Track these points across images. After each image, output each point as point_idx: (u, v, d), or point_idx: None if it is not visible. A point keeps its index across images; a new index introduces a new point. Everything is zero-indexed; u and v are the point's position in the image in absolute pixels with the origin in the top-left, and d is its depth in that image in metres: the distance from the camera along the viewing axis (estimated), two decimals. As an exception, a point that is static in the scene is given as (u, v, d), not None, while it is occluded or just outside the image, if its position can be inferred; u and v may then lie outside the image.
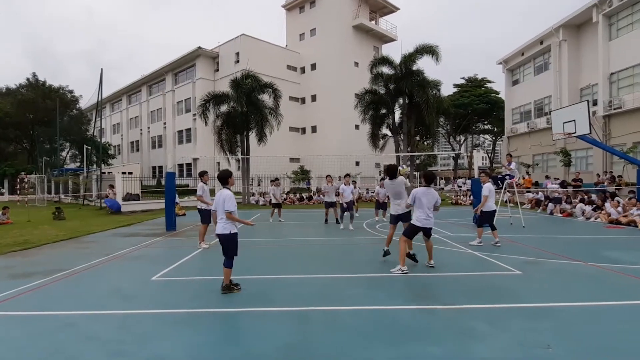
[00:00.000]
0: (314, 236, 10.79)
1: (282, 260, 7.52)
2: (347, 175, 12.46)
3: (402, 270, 6.22)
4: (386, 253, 7.15)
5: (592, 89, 24.63)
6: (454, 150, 52.21)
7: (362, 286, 5.62)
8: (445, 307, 4.67)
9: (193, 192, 26.99)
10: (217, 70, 43.05)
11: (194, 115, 39.54)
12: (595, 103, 23.47)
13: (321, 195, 18.28)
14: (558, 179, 23.07)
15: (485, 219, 8.73)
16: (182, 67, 45.55)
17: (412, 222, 6.51)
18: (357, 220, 14.08)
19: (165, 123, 47.48)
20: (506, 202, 14.25)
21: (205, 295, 5.26)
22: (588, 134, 12.96)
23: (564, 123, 13.37)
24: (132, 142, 55.21)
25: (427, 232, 6.53)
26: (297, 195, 25.01)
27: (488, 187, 8.69)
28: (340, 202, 12.02)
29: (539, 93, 29.31)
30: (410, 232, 6.45)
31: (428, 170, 7.61)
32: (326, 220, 13.46)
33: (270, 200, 14.08)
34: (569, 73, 25.87)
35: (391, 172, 6.98)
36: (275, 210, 14.23)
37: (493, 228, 8.82)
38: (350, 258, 7.78)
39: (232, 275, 5.45)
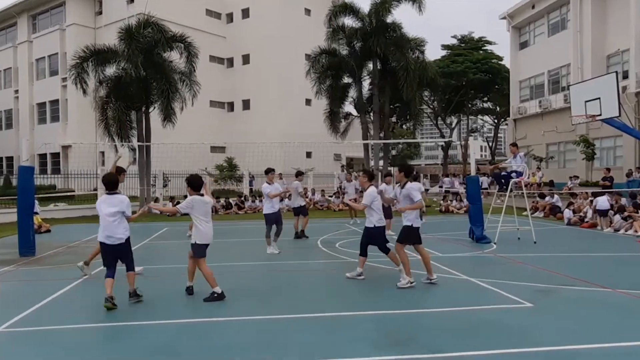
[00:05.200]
0: (247, 260, 10.74)
1: (199, 295, 7.39)
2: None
3: (410, 282, 7.73)
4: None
5: (621, 56, 26.45)
6: (443, 137, 54.01)
7: (317, 330, 5.71)
8: (431, 356, 4.81)
9: (61, 198, 25.78)
10: (100, 13, 41.50)
11: (64, 80, 37.74)
12: (625, 75, 25.19)
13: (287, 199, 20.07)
14: (577, 177, 24.64)
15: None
16: (44, 5, 43.46)
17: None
18: (311, 235, 14.17)
19: (17, 91, 45.45)
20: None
21: (81, 352, 5.10)
22: (617, 116, 13.92)
23: (586, 102, 14.24)
24: (-37, 120, 51.81)
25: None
26: (223, 201, 24.67)
27: (371, 194, 8.35)
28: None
29: (554, 60, 31.04)
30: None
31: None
32: (296, 234, 14.25)
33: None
34: (593, 35, 27.59)
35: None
36: None
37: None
38: (299, 291, 7.83)
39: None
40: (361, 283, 8.22)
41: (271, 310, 6.54)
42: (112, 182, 7.20)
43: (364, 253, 8.45)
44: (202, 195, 7.30)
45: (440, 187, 30.04)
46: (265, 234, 11.59)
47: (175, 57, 24.20)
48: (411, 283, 7.72)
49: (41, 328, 5.94)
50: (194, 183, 7.29)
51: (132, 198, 25.56)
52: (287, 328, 5.81)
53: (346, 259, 10.62)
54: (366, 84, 28.41)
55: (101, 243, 6.97)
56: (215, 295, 7.02)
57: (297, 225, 14.15)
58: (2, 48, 47.08)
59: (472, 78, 43.56)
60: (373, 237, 8.29)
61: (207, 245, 7.26)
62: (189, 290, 7.47)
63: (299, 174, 14.71)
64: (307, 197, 15.94)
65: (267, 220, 11.73)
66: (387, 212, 15.08)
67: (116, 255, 6.98)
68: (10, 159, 45.12)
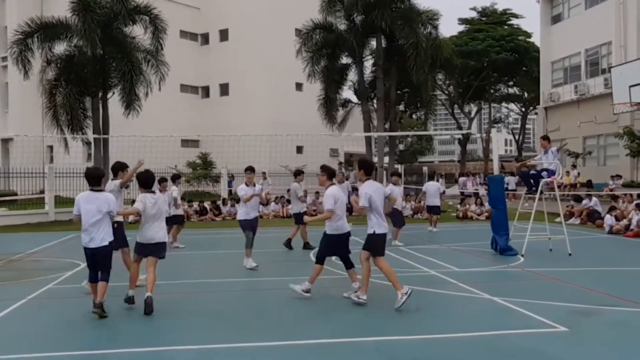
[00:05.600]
0: (225, 276, 10.72)
1: (166, 317, 7.41)
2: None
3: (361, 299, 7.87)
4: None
5: (673, 33, 26.46)
6: (460, 128, 54.07)
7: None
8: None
9: (0, 202, 25.63)
10: (49, -21, 41.31)
11: (4, 59, 37.60)
12: (677, 56, 25.27)
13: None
14: (620, 176, 24.70)
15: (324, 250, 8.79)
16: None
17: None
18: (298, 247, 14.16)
19: (-55, 73, 44.90)
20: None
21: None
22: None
23: (630, 87, 14.29)
24: None
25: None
26: (196, 206, 24.57)
27: (333, 194, 8.33)
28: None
29: (593, 37, 31.01)
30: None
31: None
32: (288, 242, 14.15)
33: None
34: (639, 6, 27.59)
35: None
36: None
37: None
38: (287, 313, 7.86)
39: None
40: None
41: (254, 337, 6.47)
42: (96, 177, 7.53)
43: (348, 265, 8.72)
44: (154, 192, 7.93)
45: (462, 189, 30.11)
46: (245, 243, 11.53)
47: (139, 33, 24.16)
48: (364, 300, 7.88)
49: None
50: (144, 180, 7.84)
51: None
52: (274, 358, 5.78)
53: (343, 274, 10.55)
54: (368, 65, 28.47)
55: (84, 247, 7.31)
56: (127, 298, 7.73)
57: (295, 234, 14.09)
58: None
59: (495, 58, 43.52)
60: (324, 243, 8.59)
61: (146, 245, 7.76)
62: (130, 300, 7.78)
63: (298, 174, 14.58)
64: (305, 202, 15.88)
65: (242, 228, 11.69)
66: (398, 219, 15.05)
67: (95, 260, 7.29)
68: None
